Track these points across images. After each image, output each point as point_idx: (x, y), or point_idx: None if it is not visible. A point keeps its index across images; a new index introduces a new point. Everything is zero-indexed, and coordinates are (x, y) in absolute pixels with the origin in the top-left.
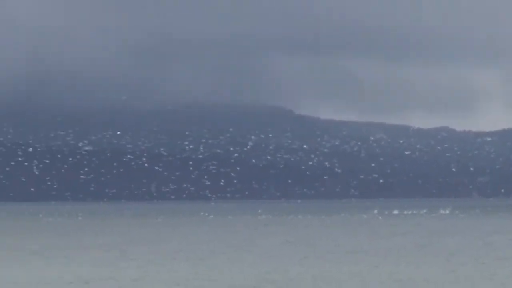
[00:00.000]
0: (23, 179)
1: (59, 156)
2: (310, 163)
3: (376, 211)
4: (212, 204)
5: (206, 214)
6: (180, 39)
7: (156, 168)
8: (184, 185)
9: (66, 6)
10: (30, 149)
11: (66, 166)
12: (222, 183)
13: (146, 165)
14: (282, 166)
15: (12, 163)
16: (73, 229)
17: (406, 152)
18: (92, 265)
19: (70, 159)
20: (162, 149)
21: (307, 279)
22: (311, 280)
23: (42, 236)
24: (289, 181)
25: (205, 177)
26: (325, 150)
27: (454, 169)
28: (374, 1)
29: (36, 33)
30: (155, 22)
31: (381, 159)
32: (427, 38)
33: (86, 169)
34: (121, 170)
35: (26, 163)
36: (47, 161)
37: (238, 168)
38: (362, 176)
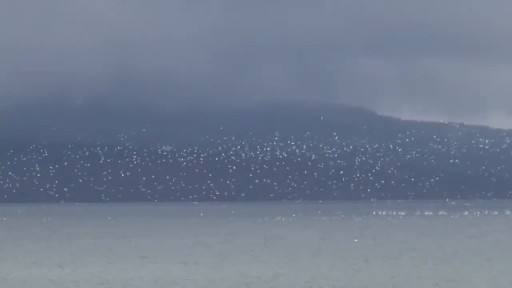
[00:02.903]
0: (109, 179)
1: (139, 156)
2: (391, 166)
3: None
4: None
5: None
6: (262, 40)
7: (235, 168)
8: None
9: (150, 15)
10: (112, 148)
11: (144, 165)
12: (300, 185)
13: (219, 165)
14: (360, 166)
15: (94, 164)
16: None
17: (484, 152)
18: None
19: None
20: (239, 149)
21: None
22: None
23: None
24: (371, 181)
25: (289, 177)
26: (403, 150)
27: None
28: (452, 3)
29: (124, 40)
30: (237, 26)
31: (459, 159)
32: (504, 37)
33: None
34: (204, 171)
35: (109, 164)
36: (132, 161)
37: (318, 167)
38: (442, 176)
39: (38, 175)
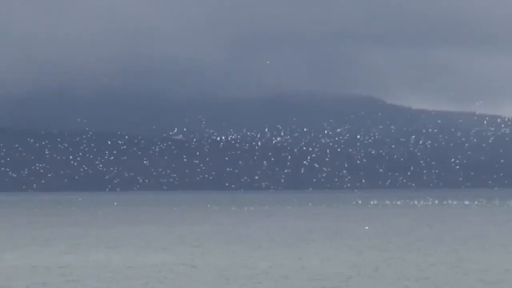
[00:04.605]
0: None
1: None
2: (403, 151)
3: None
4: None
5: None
6: (273, 30)
7: (248, 157)
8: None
9: (165, 8)
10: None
11: (157, 154)
12: (313, 173)
13: (236, 153)
14: (372, 155)
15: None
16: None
17: (496, 141)
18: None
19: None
20: (250, 138)
21: None
22: None
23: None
24: (381, 170)
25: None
26: (416, 138)
27: None
28: None
29: (134, 30)
30: (249, 16)
31: (471, 148)
32: None
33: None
34: (218, 159)
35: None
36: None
37: (330, 156)
38: (456, 164)
39: (43, 164)
